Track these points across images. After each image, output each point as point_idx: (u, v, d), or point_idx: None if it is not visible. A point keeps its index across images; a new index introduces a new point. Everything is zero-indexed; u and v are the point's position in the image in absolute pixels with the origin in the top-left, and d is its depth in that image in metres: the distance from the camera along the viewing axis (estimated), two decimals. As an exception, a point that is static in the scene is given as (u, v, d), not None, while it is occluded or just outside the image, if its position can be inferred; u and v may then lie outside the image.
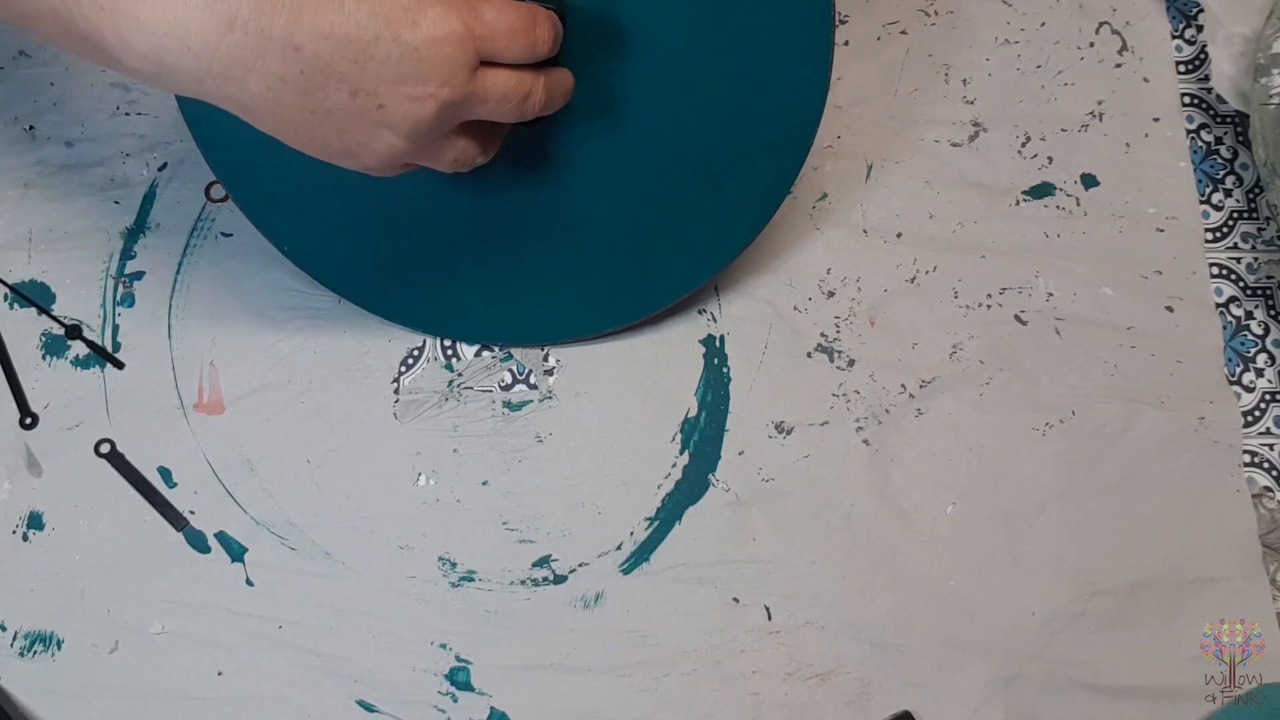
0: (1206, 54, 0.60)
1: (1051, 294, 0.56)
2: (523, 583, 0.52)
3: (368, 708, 0.50)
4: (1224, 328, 0.56)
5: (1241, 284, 0.57)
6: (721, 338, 0.56)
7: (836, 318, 0.56)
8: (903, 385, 0.55)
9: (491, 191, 0.50)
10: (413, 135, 0.38)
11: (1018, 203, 0.58)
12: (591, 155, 0.49)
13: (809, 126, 0.48)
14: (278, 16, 0.34)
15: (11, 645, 0.51)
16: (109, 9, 0.33)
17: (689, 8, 0.45)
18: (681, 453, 0.54)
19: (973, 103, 0.60)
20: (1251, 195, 0.59)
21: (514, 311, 0.54)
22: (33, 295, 0.56)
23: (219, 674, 0.51)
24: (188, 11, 0.33)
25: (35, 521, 0.53)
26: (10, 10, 0.35)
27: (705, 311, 0.56)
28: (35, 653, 0.51)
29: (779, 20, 0.45)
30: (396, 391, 0.55)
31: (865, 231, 0.57)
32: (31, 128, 0.59)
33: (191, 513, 0.53)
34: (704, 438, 0.54)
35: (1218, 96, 0.59)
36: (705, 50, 0.46)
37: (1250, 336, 0.56)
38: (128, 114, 0.59)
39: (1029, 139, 0.59)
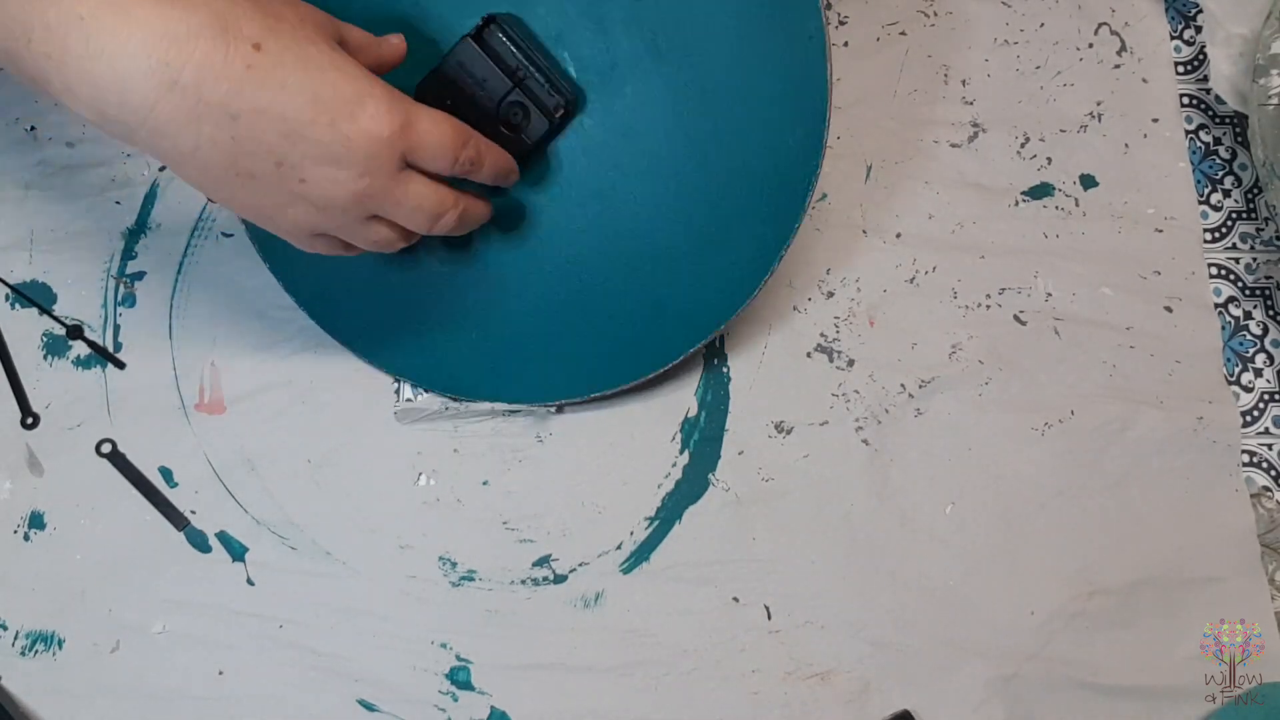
0: (1205, 55, 0.60)
1: (1050, 294, 0.57)
2: (523, 582, 0.52)
3: (368, 707, 0.50)
4: (1223, 328, 0.56)
5: (1240, 284, 0.57)
6: (721, 338, 0.56)
7: (836, 318, 0.56)
8: (902, 385, 0.55)
9: (490, 254, 0.51)
10: (326, 211, 0.40)
11: (1017, 203, 0.58)
12: (588, 221, 0.50)
13: (802, 192, 0.48)
14: (219, 85, 0.35)
15: (13, 645, 0.51)
16: (56, 59, 0.34)
17: (686, 77, 0.47)
18: (681, 452, 0.54)
19: (972, 103, 0.60)
20: (1250, 195, 0.59)
21: (514, 372, 0.53)
22: (34, 295, 0.56)
23: (220, 673, 0.51)
24: (130, 68, 0.34)
25: (37, 521, 0.53)
26: None
27: (705, 312, 0.56)
28: (36, 652, 0.51)
29: (774, 89, 0.46)
30: (397, 392, 0.55)
31: (865, 232, 0.58)
32: (33, 128, 0.59)
33: (192, 512, 0.53)
34: (704, 437, 0.54)
35: (1216, 97, 0.59)
36: (702, 118, 0.48)
37: (1249, 336, 0.57)
38: (129, 115, 0.59)
39: (1028, 139, 0.59)
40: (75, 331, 0.56)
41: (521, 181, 0.49)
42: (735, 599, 0.52)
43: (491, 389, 0.53)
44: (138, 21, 0.34)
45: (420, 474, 0.54)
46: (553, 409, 0.54)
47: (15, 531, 0.53)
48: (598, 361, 0.52)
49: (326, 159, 0.38)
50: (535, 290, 0.51)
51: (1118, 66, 0.61)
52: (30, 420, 0.54)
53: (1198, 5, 0.61)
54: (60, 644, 0.51)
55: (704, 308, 0.50)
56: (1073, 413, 0.54)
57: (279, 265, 0.53)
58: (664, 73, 0.47)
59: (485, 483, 0.54)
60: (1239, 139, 0.60)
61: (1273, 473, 0.54)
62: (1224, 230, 0.58)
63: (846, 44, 0.61)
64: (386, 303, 0.53)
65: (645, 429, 0.54)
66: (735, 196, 0.49)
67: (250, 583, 0.52)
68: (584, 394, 0.53)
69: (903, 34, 0.61)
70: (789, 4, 0.45)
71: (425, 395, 0.54)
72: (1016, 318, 0.56)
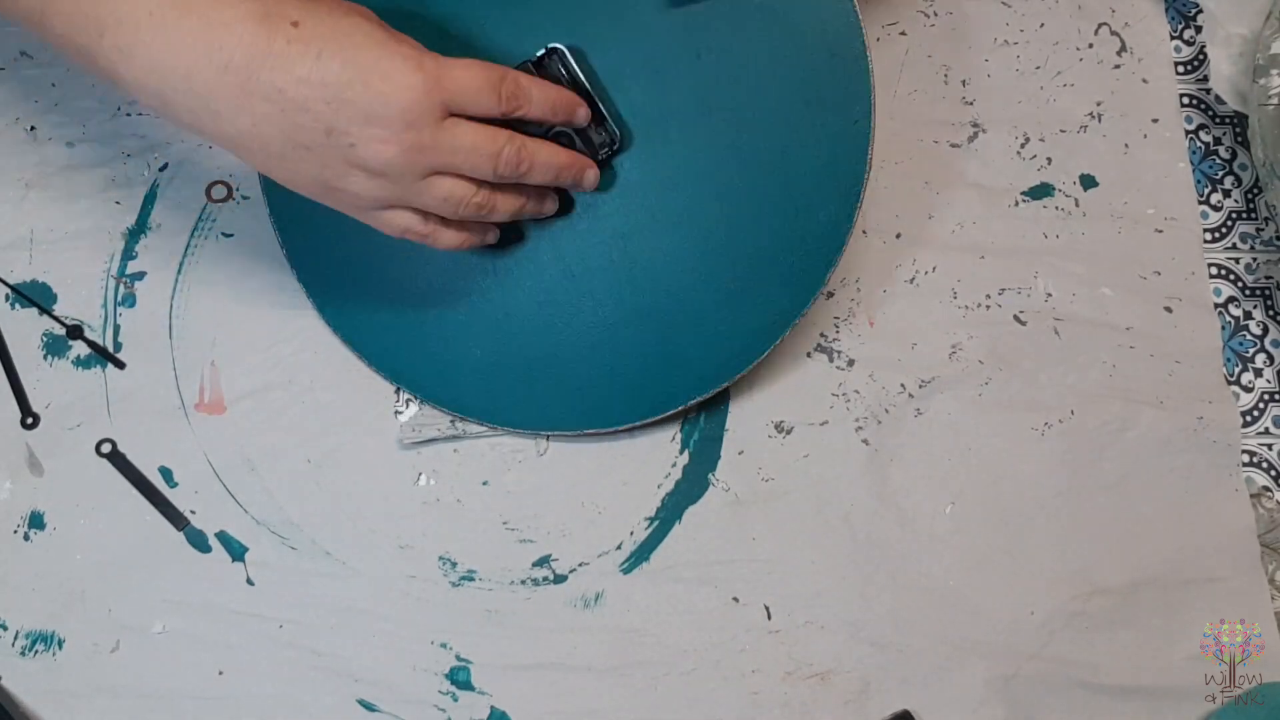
0: (1205, 55, 0.60)
1: (1050, 294, 0.57)
2: (523, 582, 0.52)
3: (368, 707, 0.50)
4: (1223, 328, 0.56)
5: (1240, 284, 0.57)
6: (721, 338, 0.56)
7: (836, 318, 0.56)
8: (902, 385, 0.55)
9: (509, 276, 0.51)
10: (385, 174, 0.41)
11: (1017, 203, 0.58)
12: (610, 260, 0.51)
13: (824, 265, 0.50)
14: (265, 63, 0.39)
15: (13, 645, 0.51)
16: (126, 53, 0.38)
17: (730, 138, 0.49)
18: (681, 452, 0.54)
19: (972, 104, 0.60)
20: (1250, 196, 0.59)
21: (512, 397, 0.53)
22: (34, 295, 0.56)
23: (220, 673, 0.51)
24: (190, 57, 0.38)
25: (36, 521, 0.53)
26: (48, 31, 0.40)
27: (705, 312, 0.56)
28: (36, 652, 0.51)
29: (812, 165, 0.48)
30: (397, 413, 0.55)
31: (865, 232, 0.58)
32: (33, 128, 0.59)
33: (192, 512, 0.53)
34: (704, 437, 0.54)
35: (1216, 97, 0.59)
36: (738, 180, 0.49)
37: (1249, 336, 0.57)
38: (129, 114, 0.59)
39: (1028, 140, 0.59)
40: (75, 331, 0.56)
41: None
42: (735, 599, 0.52)
43: (488, 412, 0.53)
44: (195, 13, 0.38)
45: (420, 474, 0.54)
46: (544, 438, 0.54)
47: (15, 531, 0.53)
48: (597, 399, 0.52)
49: (369, 119, 0.40)
50: (547, 319, 0.52)
51: (1118, 66, 0.61)
52: (30, 420, 0.55)
53: (1198, 5, 0.61)
54: (60, 644, 0.51)
55: (711, 361, 0.51)
56: (1073, 413, 0.54)
57: (298, 257, 0.53)
58: (710, 129, 0.49)
59: (485, 483, 0.54)
60: (1239, 139, 0.60)
61: (1273, 473, 0.54)
62: (1224, 230, 0.58)
63: (846, 44, 0.61)
64: (398, 311, 0.53)
65: (645, 429, 0.54)
66: (758, 260, 0.50)
67: (250, 583, 0.52)
68: (579, 428, 0.53)
69: (903, 34, 0.61)
70: (840, 88, 0.48)
71: (426, 412, 0.54)
72: (1016, 318, 0.56)
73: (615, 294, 0.51)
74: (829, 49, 0.48)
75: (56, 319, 0.56)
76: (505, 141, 0.43)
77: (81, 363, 0.55)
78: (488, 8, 0.49)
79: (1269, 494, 0.54)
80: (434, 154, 0.41)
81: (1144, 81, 0.61)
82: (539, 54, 0.48)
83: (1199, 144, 0.60)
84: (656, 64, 0.49)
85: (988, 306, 0.56)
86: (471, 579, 0.52)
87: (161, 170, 0.58)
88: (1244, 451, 0.54)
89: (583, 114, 0.47)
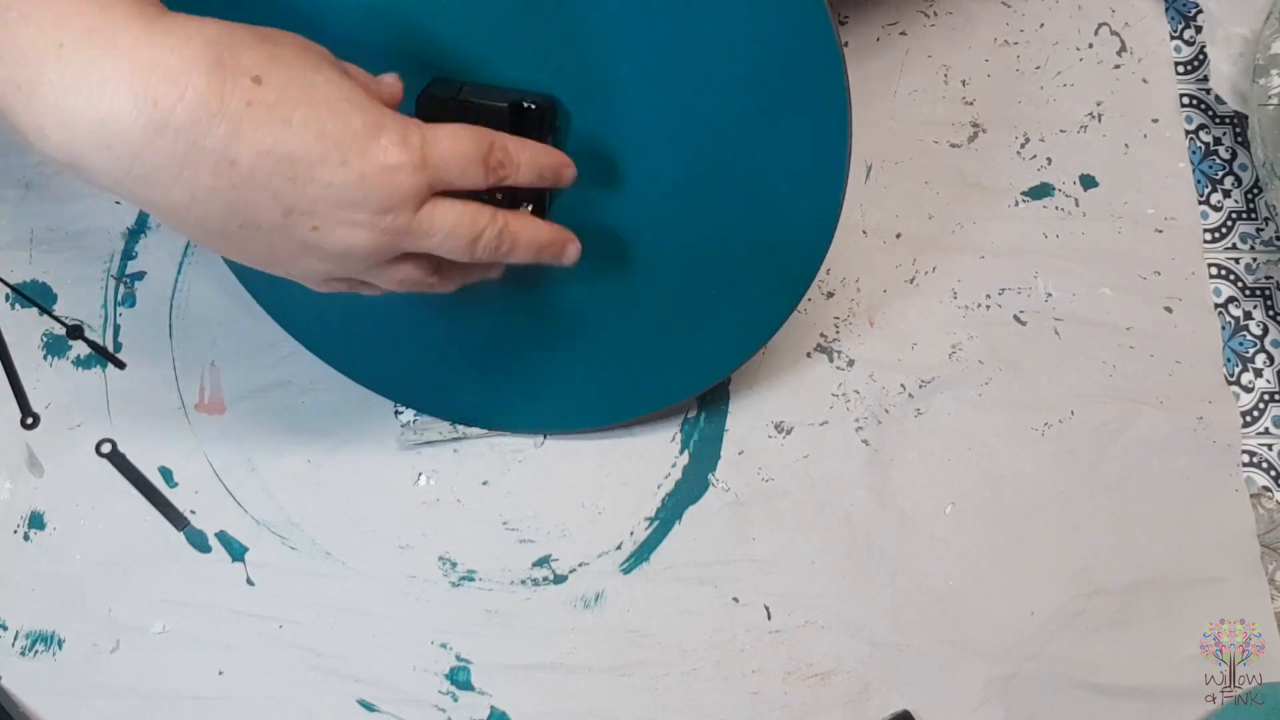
0: (1205, 55, 0.60)
1: (1050, 294, 0.57)
2: (523, 582, 0.52)
3: (368, 707, 0.50)
4: (1223, 328, 0.56)
5: (1240, 284, 0.57)
6: (721, 338, 0.56)
7: (836, 318, 0.56)
8: (902, 385, 0.55)
9: (493, 292, 0.47)
10: (344, 260, 0.36)
11: (1017, 203, 0.58)
12: (594, 269, 0.47)
13: (809, 268, 0.47)
14: (215, 127, 0.31)
15: (13, 645, 0.51)
16: (26, 91, 0.29)
17: (699, 124, 0.43)
18: (681, 452, 0.54)
19: (972, 103, 0.60)
20: (1250, 196, 0.59)
21: (507, 403, 0.53)
22: (34, 295, 0.56)
23: (220, 673, 0.51)
24: (113, 108, 0.30)
25: (36, 521, 0.53)
26: None
27: (705, 312, 0.56)
28: (36, 652, 0.51)
29: (792, 145, 0.44)
30: (397, 414, 0.55)
31: (865, 232, 0.58)
32: (33, 128, 0.59)
33: (192, 512, 0.53)
34: (704, 437, 0.54)
35: (1216, 97, 0.59)
36: (713, 168, 0.44)
37: (1249, 337, 0.57)
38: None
39: (1028, 140, 0.59)
40: (75, 331, 0.56)
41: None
42: (735, 599, 0.52)
43: (485, 418, 0.53)
44: (124, 52, 0.30)
45: (420, 474, 0.54)
46: (540, 439, 0.54)
47: (15, 531, 0.53)
48: (589, 399, 0.52)
49: (341, 203, 0.34)
50: (535, 322, 0.51)
51: (1118, 66, 0.61)
52: (30, 420, 0.55)
53: (1198, 5, 0.61)
54: (60, 644, 0.51)
55: (702, 362, 0.51)
56: (1073, 413, 0.54)
57: (267, 298, 0.52)
58: (678, 129, 0.44)
59: (485, 483, 0.54)
60: (1239, 139, 0.60)
61: (1273, 473, 0.54)
62: (1224, 230, 0.58)
63: (846, 44, 0.61)
64: (384, 331, 0.52)
65: (645, 429, 0.54)
66: (741, 264, 0.47)
67: (250, 583, 0.52)
68: (574, 428, 0.53)
69: (903, 34, 0.61)
70: (813, 86, 0.42)
71: (426, 419, 0.54)
72: (1016, 318, 0.56)
73: (601, 299, 0.49)
74: (792, 38, 0.42)
75: (56, 319, 0.56)
76: (486, 224, 0.37)
77: (81, 363, 0.55)
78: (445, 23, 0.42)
79: (1269, 494, 0.54)
80: (407, 239, 0.36)
81: (1144, 81, 0.61)
82: (525, 103, 0.41)
83: (1199, 144, 0.60)
84: (616, 73, 0.42)
85: (988, 306, 0.56)
86: (471, 579, 0.52)
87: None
88: (1244, 451, 0.54)
89: (569, 174, 0.41)
